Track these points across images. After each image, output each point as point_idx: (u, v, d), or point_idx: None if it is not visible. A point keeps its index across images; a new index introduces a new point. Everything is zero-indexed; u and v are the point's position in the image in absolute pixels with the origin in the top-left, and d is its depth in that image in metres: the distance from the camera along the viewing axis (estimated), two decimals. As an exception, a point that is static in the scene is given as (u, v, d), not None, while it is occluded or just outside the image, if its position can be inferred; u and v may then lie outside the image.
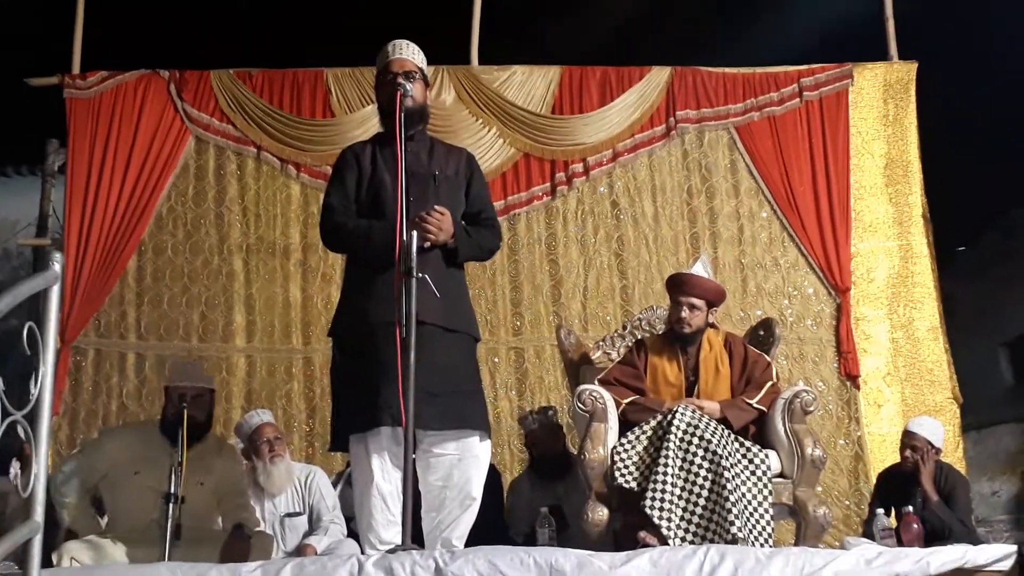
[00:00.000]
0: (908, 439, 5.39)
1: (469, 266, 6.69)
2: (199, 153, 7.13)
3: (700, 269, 4.77)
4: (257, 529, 4.80)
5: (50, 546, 3.99)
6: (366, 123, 6.66)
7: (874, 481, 5.99)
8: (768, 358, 4.77)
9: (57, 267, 3.25)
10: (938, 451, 5.37)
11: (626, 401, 4.55)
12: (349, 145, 4.08)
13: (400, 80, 3.77)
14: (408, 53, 3.89)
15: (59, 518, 4.48)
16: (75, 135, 7.01)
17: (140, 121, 7.02)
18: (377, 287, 3.64)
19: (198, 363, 4.98)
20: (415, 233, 3.51)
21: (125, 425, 5.21)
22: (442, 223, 3.69)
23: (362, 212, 3.81)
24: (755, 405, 4.51)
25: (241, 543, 4.25)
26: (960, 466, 6.23)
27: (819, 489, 4.93)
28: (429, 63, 4.01)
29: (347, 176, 3.88)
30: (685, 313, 4.65)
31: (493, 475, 5.45)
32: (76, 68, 7.14)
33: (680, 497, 4.09)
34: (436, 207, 3.69)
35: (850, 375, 6.82)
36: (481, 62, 7.35)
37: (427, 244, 3.65)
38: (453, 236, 3.75)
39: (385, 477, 3.59)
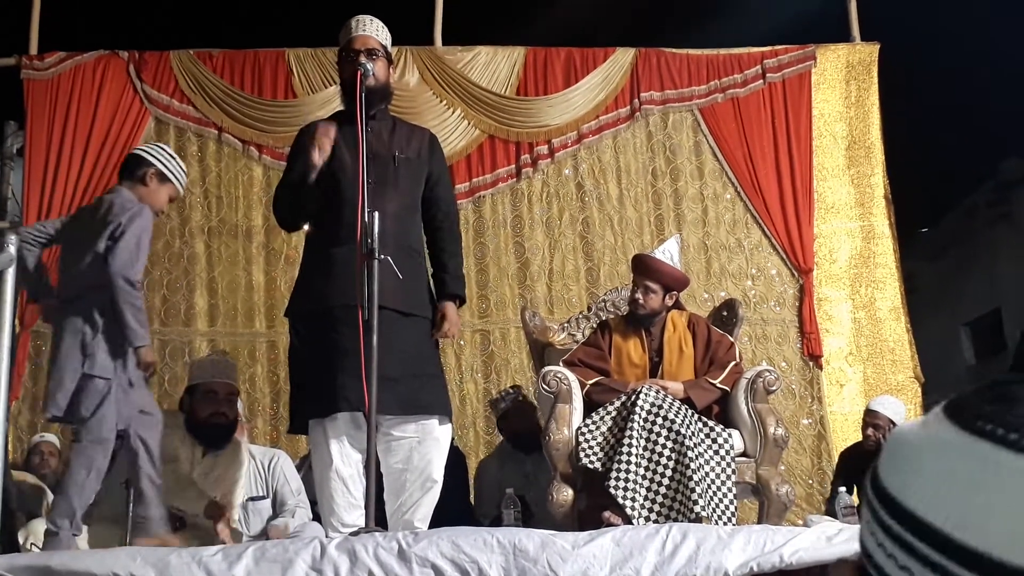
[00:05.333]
0: (870, 418, 5.45)
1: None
2: (159, 135, 7.01)
3: (661, 253, 4.77)
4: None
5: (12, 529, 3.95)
6: (329, 104, 6.58)
7: (836, 460, 6.05)
8: (731, 339, 4.79)
9: (12, 249, 3.21)
10: (899, 429, 5.42)
11: (590, 382, 4.56)
12: (307, 125, 4.02)
13: (362, 59, 3.73)
14: (371, 30, 3.83)
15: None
16: (33, 117, 6.89)
17: (99, 102, 6.91)
18: (336, 269, 3.62)
19: (224, 359, 4.99)
20: (376, 214, 3.48)
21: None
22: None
23: (321, 192, 3.76)
24: (718, 385, 4.53)
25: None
26: (921, 444, 6.28)
27: (782, 468, 4.95)
28: (392, 44, 3.97)
29: (300, 161, 3.84)
30: (639, 294, 4.67)
31: (458, 458, 5.44)
32: (33, 49, 7.01)
33: (644, 477, 4.11)
34: None
35: (813, 355, 6.86)
36: (445, 43, 7.31)
37: None
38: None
39: (344, 460, 3.58)
